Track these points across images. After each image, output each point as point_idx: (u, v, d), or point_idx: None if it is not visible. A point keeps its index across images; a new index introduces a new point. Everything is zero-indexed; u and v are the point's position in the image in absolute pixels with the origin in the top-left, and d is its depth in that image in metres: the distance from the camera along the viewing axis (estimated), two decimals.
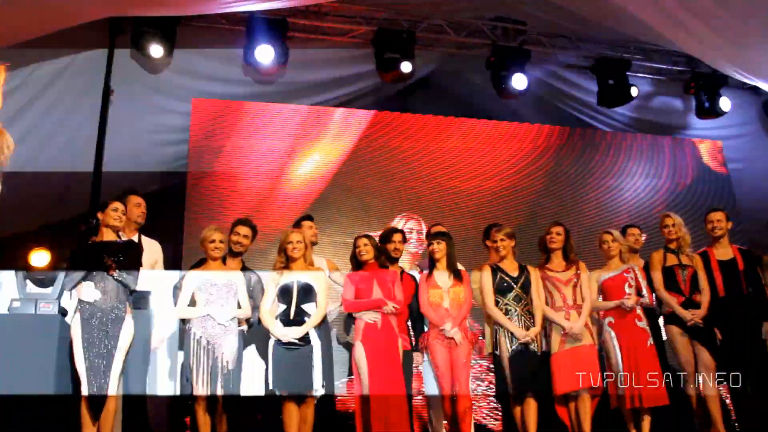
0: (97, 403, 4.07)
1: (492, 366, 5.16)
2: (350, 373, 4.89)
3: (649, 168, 8.22)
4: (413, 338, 5.09)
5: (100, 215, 4.43)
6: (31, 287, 5.43)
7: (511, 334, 4.81)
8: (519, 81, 7.50)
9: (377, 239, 5.17)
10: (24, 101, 6.26)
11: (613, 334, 5.05)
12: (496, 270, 5.03)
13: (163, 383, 5.69)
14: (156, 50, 6.50)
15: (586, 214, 7.72)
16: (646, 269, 5.42)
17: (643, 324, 5.06)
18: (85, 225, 5.43)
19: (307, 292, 4.66)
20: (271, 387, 4.55)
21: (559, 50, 7.96)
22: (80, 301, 4.18)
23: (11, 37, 5.40)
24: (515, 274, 4.99)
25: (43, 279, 5.46)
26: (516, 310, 4.89)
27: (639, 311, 5.08)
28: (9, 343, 4.88)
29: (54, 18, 5.49)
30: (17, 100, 6.21)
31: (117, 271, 4.25)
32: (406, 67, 7.10)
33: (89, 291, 4.15)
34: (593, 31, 7.76)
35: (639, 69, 8.18)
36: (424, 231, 7.33)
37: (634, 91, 7.85)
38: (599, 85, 7.98)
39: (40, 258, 5.59)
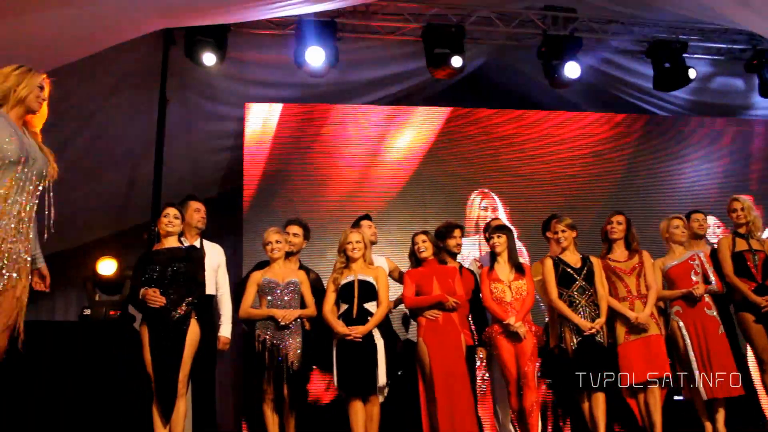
0: (168, 405, 4.15)
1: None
2: (414, 371, 4.87)
3: (712, 151, 7.97)
4: (476, 333, 5.06)
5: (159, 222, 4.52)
6: (99, 295, 5.60)
7: (576, 326, 4.74)
8: (572, 69, 7.36)
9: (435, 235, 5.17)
10: (85, 115, 6.45)
11: (681, 323, 4.93)
12: (558, 262, 4.95)
13: (228, 384, 5.81)
14: (209, 58, 6.60)
15: (646, 201, 7.53)
16: (714, 255, 5.26)
17: (712, 312, 4.92)
18: (147, 233, 5.59)
19: (369, 291, 4.68)
20: (336, 386, 4.58)
21: (611, 36, 7.77)
22: (146, 307, 4.26)
23: (69, 55, 5.56)
24: (578, 265, 4.91)
25: (111, 287, 5.63)
26: (580, 302, 4.80)
27: (707, 299, 4.94)
28: (80, 350, 5.04)
29: (110, 34, 5.62)
30: (77, 115, 6.39)
31: (181, 276, 4.33)
32: (456, 61, 7.03)
33: (155, 297, 4.22)
34: (646, 15, 7.57)
35: (696, 50, 7.92)
36: (500, 208, 7.29)
37: (692, 74, 7.61)
38: (655, 69, 7.76)
39: (107, 266, 5.74)
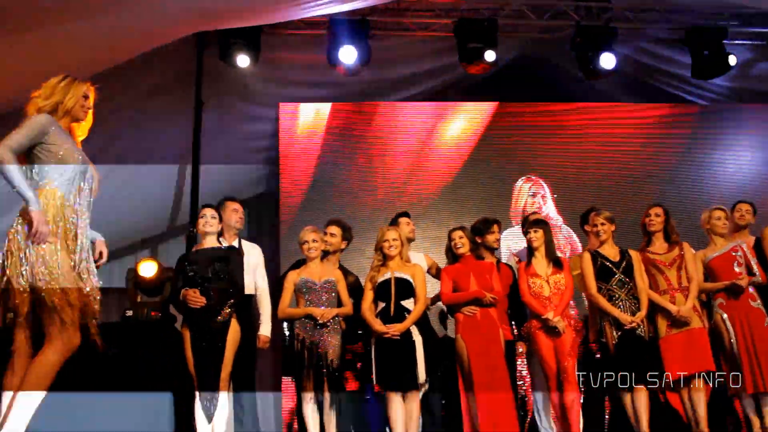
0: (210, 404, 4.21)
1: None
2: (452, 367, 4.86)
3: (755, 139, 7.78)
4: (515, 328, 5.03)
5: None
6: (140, 296, 5.70)
7: (616, 320, 4.67)
8: (607, 60, 7.24)
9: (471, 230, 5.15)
10: (122, 120, 6.56)
11: (725, 315, 4.84)
12: (596, 256, 4.89)
13: (268, 383, 5.86)
14: (242, 60, 6.66)
15: (686, 192, 7.40)
16: (758, 246, 5.14)
17: (757, 304, 4.83)
18: (186, 235, 5.67)
19: (406, 288, 4.67)
20: (375, 384, 4.59)
21: (647, 24, 7.64)
22: (187, 308, 4.32)
23: (107, 62, 5.67)
24: (616, 258, 4.83)
25: (152, 288, 5.71)
26: (620, 296, 4.74)
27: (752, 291, 4.84)
28: (123, 350, 5.13)
29: (145, 39, 5.72)
30: (115, 120, 6.51)
31: (220, 276, 4.38)
32: (489, 55, 6.98)
33: (195, 297, 4.28)
34: (683, 1, 7.42)
35: (736, 36, 7.73)
36: (548, 195, 7.24)
37: (732, 60, 7.44)
38: (693, 57, 7.59)
39: (147, 268, 5.83)
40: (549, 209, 7.34)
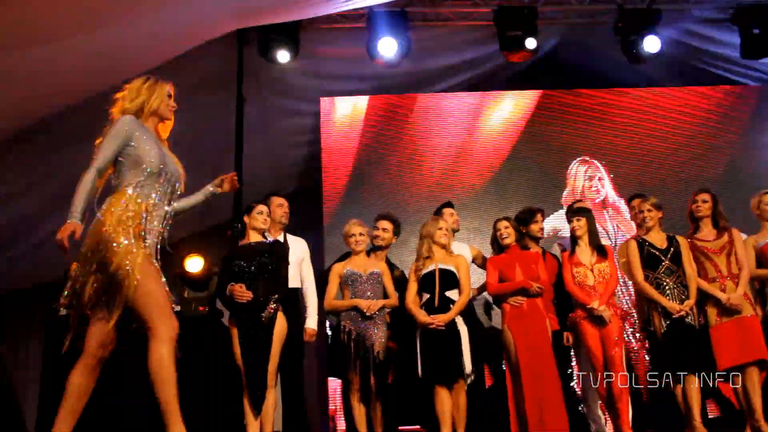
0: (258, 398, 4.27)
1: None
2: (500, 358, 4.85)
3: None
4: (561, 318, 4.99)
5: (246, 219, 4.63)
6: (188, 292, 5.80)
7: (664, 308, 4.59)
8: (651, 44, 7.08)
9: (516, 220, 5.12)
10: None
11: None
12: (642, 243, 4.81)
13: (316, 375, 5.92)
14: (283, 56, 6.71)
15: (744, 177, 7.20)
16: None
17: None
18: (231, 230, 5.74)
19: (450, 279, 4.67)
20: (421, 376, 4.60)
21: (693, 5, 7.44)
22: (234, 302, 4.39)
23: (150, 61, 5.76)
24: (663, 246, 4.74)
25: (199, 283, 5.81)
26: (668, 284, 4.65)
27: None
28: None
29: (186, 38, 5.80)
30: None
31: (266, 270, 4.43)
32: (530, 43, 6.90)
33: (241, 292, 4.34)
34: None
35: None
36: (606, 177, 7.15)
37: None
38: (742, 37, 7.36)
39: (194, 264, 5.93)
40: (608, 191, 7.24)
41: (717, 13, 7.50)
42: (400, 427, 5.21)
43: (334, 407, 6.10)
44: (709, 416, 5.25)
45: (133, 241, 2.96)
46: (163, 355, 2.95)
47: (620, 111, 7.49)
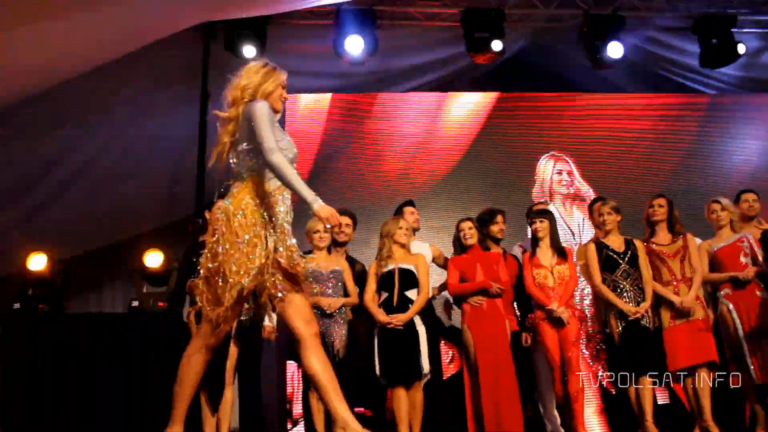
0: (216, 394, 4.24)
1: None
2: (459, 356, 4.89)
3: (764, 129, 7.73)
4: (520, 319, 5.04)
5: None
6: (147, 287, 5.74)
7: (621, 311, 4.67)
8: (615, 49, 7.19)
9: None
10: (130, 111, 6.58)
11: (731, 306, 4.82)
12: (601, 246, 4.89)
13: (274, 373, 5.87)
14: (249, 50, 6.65)
15: (695, 182, 7.36)
16: (765, 237, 5.11)
17: (763, 294, 4.80)
18: (193, 225, 5.68)
19: (410, 279, 4.69)
20: (378, 374, 4.61)
21: (655, 13, 7.58)
22: (194, 298, 4.34)
23: (114, 52, 5.68)
24: (621, 249, 4.83)
25: (158, 279, 5.75)
26: (625, 286, 4.74)
27: (757, 281, 4.81)
28: (129, 340, 5.17)
29: (152, 30, 5.72)
30: (123, 110, 6.53)
31: None
32: (496, 45, 6.95)
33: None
34: None
35: (745, 24, 7.66)
36: (575, 171, 7.20)
37: (741, 49, 7.37)
38: (702, 46, 7.53)
39: (154, 259, 5.86)
40: (579, 184, 7.30)
41: (678, 21, 7.65)
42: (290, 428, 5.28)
43: (291, 390, 6.06)
44: (658, 402, 5.35)
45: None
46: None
47: (576, 114, 7.57)
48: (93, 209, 6.84)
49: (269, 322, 4.89)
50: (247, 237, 2.90)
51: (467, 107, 7.41)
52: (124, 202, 6.87)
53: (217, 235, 2.94)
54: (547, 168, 7.28)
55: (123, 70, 6.02)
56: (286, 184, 2.89)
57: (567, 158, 7.32)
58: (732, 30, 7.42)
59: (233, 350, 4.32)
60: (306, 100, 7.21)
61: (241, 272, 2.88)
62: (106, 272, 7.67)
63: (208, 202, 4.76)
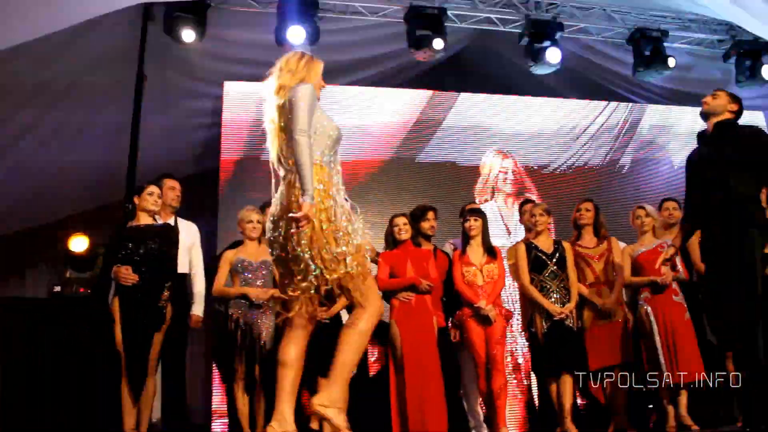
0: (137, 384, 4.15)
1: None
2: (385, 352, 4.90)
3: (688, 140, 8.03)
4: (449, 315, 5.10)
5: (136, 200, 4.49)
6: (70, 272, 5.57)
7: (546, 311, 4.78)
8: (553, 55, 7.35)
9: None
10: (61, 90, 6.37)
11: (649, 309, 4.98)
12: (530, 246, 4.99)
13: (199, 364, 5.80)
14: (188, 35, 6.51)
15: (622, 189, 7.60)
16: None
17: (679, 299, 4.98)
18: (122, 211, 5.54)
19: None
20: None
21: (593, 22, 7.78)
22: (118, 285, 4.25)
23: (44, 27, 5.47)
24: (550, 250, 4.95)
25: (82, 264, 5.59)
26: (551, 287, 4.85)
27: (675, 286, 5.00)
28: (51, 327, 5.01)
29: (86, 6, 5.55)
30: (53, 89, 6.31)
31: (154, 254, 4.31)
32: (438, 44, 6.98)
33: (127, 275, 4.21)
34: (628, 2, 7.57)
35: (676, 39, 7.94)
36: (520, 170, 7.27)
37: (671, 62, 7.64)
38: (635, 57, 7.77)
39: (79, 243, 5.70)
40: (523, 183, 7.40)
41: (614, 32, 7.86)
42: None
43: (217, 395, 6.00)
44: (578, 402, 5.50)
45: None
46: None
47: (515, 115, 7.70)
48: (14, 190, 6.59)
49: (196, 311, 4.83)
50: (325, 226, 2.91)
51: (402, 103, 7.44)
52: (50, 184, 6.64)
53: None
54: (493, 164, 7.37)
55: (55, 49, 5.82)
56: (298, 165, 2.83)
57: (513, 155, 7.43)
58: (663, 44, 7.67)
59: (157, 338, 4.23)
60: (246, 90, 7.10)
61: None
62: (30, 256, 7.41)
63: (137, 188, 4.65)
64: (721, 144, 3.82)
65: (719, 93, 3.97)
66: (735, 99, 3.96)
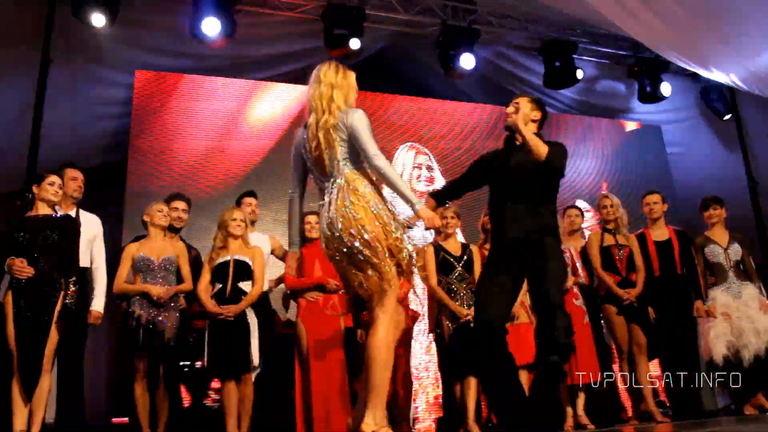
0: (30, 382, 3.98)
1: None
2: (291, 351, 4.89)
3: (591, 150, 8.37)
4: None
5: (35, 189, 4.30)
6: None
7: (453, 312, 4.87)
8: (467, 61, 7.51)
9: None
10: None
11: None
12: (438, 249, 5.07)
13: (99, 361, 5.62)
14: (97, 19, 6.29)
15: None
16: (585, 250, 5.53)
17: (579, 303, 5.17)
18: (20, 199, 5.29)
19: (244, 271, 4.64)
20: (207, 366, 4.54)
21: (507, 31, 7.99)
22: (13, 278, 4.07)
23: None
24: (458, 253, 5.04)
25: None
26: (459, 289, 4.94)
27: (575, 290, 5.19)
28: None
29: None
30: None
31: (53, 246, 4.15)
32: (354, 44, 7.03)
33: (21, 267, 4.03)
34: (542, 13, 7.82)
35: (585, 52, 8.27)
36: (436, 167, 7.28)
37: (579, 74, 7.94)
38: (546, 67, 8.04)
39: None
40: (438, 180, 7.47)
41: (527, 41, 8.11)
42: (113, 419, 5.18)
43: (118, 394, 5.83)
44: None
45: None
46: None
47: (430, 118, 7.80)
48: None
49: (96, 306, 4.67)
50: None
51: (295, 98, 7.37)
52: None
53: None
54: (407, 159, 7.41)
55: None
56: (392, 185, 3.10)
57: (428, 151, 7.49)
58: (573, 56, 7.97)
59: (54, 334, 4.06)
60: (158, 81, 6.92)
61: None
62: None
63: (37, 176, 4.46)
64: (522, 155, 3.71)
65: (521, 102, 3.83)
66: (537, 105, 3.86)
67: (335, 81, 3.27)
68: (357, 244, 3.06)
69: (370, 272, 3.10)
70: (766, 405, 5.24)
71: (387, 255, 3.09)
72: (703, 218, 5.63)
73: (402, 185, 3.10)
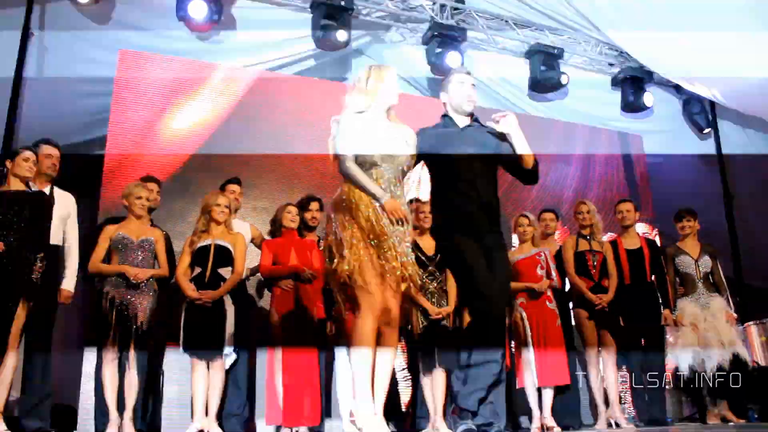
0: None
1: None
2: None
3: (572, 156, 8.41)
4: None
5: (8, 164, 4.24)
6: None
7: (425, 309, 4.88)
8: (453, 59, 7.51)
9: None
10: None
11: (524, 313, 5.19)
12: (412, 247, 5.06)
13: (71, 341, 5.55)
14: None
15: (508, 197, 7.85)
16: (560, 253, 5.57)
17: (552, 305, 5.23)
18: None
19: (225, 256, 4.62)
20: (181, 347, 4.52)
21: (495, 32, 8.01)
22: None
23: None
24: (431, 252, 5.04)
25: None
26: (430, 288, 4.95)
27: (549, 293, 5.23)
28: None
29: None
30: None
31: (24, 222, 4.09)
32: (341, 35, 7.00)
33: None
34: (530, 17, 7.84)
35: (571, 59, 8.31)
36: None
37: (564, 80, 7.98)
38: (531, 72, 8.07)
39: None
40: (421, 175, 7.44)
41: (514, 44, 8.13)
42: None
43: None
44: None
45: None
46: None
47: (414, 115, 7.75)
48: None
49: (67, 285, 4.63)
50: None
51: (298, 89, 7.32)
52: None
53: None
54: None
55: None
56: (358, 183, 3.42)
57: None
58: (559, 62, 8.00)
59: (21, 311, 4.01)
60: (141, 61, 6.82)
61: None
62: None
63: (12, 151, 4.40)
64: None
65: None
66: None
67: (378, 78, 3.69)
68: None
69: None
70: (728, 416, 5.33)
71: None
72: (676, 229, 5.71)
73: (366, 182, 3.33)
